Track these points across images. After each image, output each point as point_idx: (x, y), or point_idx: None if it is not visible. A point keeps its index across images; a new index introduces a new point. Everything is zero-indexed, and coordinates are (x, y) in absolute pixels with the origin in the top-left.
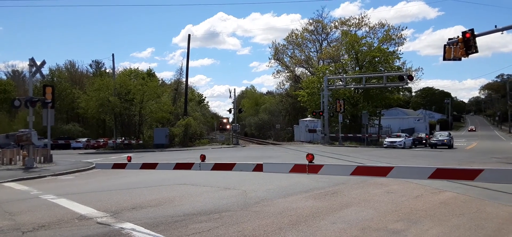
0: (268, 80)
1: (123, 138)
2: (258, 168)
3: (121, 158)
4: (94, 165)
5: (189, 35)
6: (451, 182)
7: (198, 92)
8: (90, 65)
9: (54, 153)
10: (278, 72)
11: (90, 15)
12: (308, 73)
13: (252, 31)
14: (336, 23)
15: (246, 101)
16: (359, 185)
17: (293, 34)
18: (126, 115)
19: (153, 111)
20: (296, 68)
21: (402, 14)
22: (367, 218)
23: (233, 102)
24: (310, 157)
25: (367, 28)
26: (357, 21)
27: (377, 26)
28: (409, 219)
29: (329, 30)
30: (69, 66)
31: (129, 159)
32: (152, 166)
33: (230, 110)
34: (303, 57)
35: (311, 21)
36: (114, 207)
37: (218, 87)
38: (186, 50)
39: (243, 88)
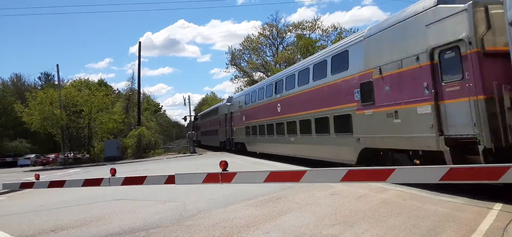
0: (229, 86)
1: (72, 152)
2: (170, 180)
3: (67, 173)
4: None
5: (139, 42)
6: None
7: (155, 101)
8: (39, 78)
9: None
10: (236, 77)
11: (39, 24)
12: (266, 77)
13: (212, 38)
14: (290, 27)
15: (206, 108)
16: (305, 188)
17: (249, 39)
18: (74, 128)
19: (103, 123)
20: (254, 73)
21: (357, 18)
22: (303, 224)
23: (192, 110)
24: (223, 164)
25: (320, 31)
26: (311, 24)
27: (331, 29)
28: (346, 222)
29: (284, 34)
30: (15, 80)
31: (37, 177)
32: (60, 184)
33: (185, 118)
34: (259, 61)
35: (265, 25)
36: (31, 230)
37: (179, 95)
38: (137, 58)
39: (204, 95)
